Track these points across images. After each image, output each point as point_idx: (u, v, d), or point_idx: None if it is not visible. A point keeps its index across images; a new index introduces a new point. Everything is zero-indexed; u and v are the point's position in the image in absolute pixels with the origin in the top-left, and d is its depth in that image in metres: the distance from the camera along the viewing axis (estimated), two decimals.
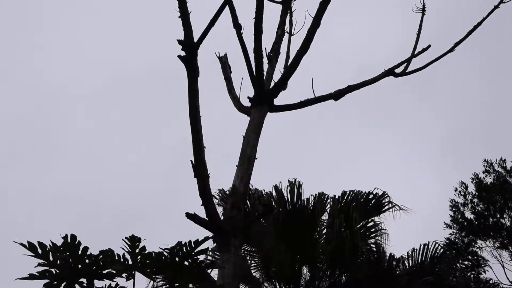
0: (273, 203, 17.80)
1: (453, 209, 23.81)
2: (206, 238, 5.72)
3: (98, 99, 45.91)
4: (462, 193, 23.85)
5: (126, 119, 44.64)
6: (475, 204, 23.39)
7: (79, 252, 5.46)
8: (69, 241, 5.45)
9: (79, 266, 5.47)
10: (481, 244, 22.89)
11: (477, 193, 23.45)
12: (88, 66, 46.44)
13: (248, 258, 18.18)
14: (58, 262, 5.43)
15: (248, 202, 17.26)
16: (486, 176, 23.56)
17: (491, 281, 19.69)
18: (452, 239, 23.14)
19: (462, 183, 24.02)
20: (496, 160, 23.56)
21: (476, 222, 23.04)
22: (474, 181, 23.61)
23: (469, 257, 22.40)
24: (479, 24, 11.73)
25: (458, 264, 21.00)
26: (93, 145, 44.56)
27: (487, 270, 21.73)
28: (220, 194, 17.60)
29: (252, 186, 17.86)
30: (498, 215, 22.75)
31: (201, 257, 5.94)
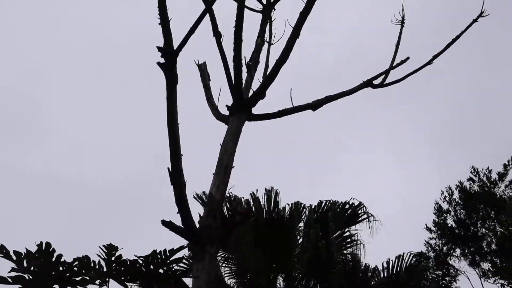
0: (250, 211, 17.80)
1: (437, 213, 23.95)
2: (181, 247, 5.72)
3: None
4: (448, 199, 24.01)
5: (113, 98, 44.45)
6: (458, 212, 23.55)
7: (53, 259, 5.43)
8: (43, 248, 5.43)
9: (53, 272, 5.44)
10: (459, 254, 23.01)
11: (460, 201, 23.59)
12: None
13: (223, 265, 18.17)
14: (32, 268, 5.41)
15: (225, 210, 17.28)
16: (470, 184, 23.71)
17: None
18: (432, 244, 23.27)
19: (449, 188, 24.18)
20: (483, 169, 23.71)
21: (457, 231, 23.17)
22: (458, 188, 23.74)
23: (446, 266, 22.51)
24: (458, 37, 11.81)
25: (432, 274, 21.11)
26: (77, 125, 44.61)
27: (458, 280, 21.88)
28: (199, 200, 17.66)
29: (231, 193, 17.89)
30: (478, 225, 22.90)
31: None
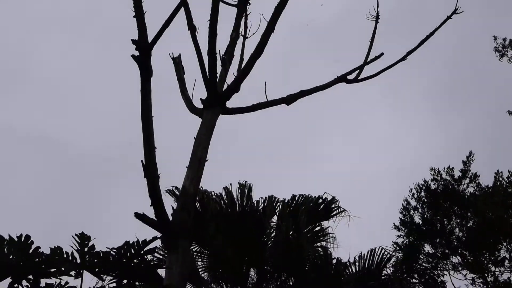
0: (223, 205, 17.83)
1: (404, 211, 24.09)
2: (154, 238, 5.74)
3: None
4: (416, 196, 24.17)
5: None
6: (424, 210, 23.71)
7: (30, 251, 5.45)
8: (22, 240, 5.45)
9: (28, 263, 5.46)
10: (429, 250, 23.18)
11: (425, 200, 23.75)
12: None
13: (196, 258, 18.17)
14: (11, 257, 5.43)
15: (198, 204, 17.30)
16: (434, 184, 23.86)
17: None
18: (400, 242, 23.41)
19: (418, 185, 24.33)
20: (444, 169, 23.89)
21: (424, 228, 23.33)
22: (423, 187, 23.88)
23: (417, 265, 22.67)
24: (432, 34, 11.92)
25: (404, 270, 21.26)
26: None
27: (444, 279, 22.05)
28: (172, 195, 17.64)
29: (202, 187, 17.89)
30: (445, 222, 23.08)
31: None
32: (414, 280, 21.66)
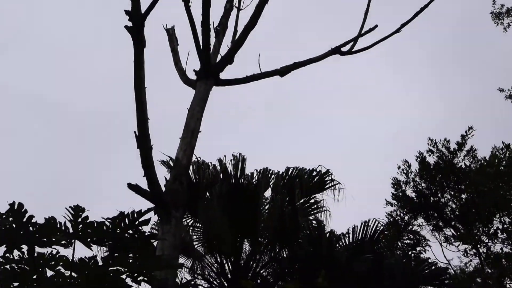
0: (217, 177, 17.85)
1: (395, 186, 24.07)
2: (149, 209, 5.73)
3: None
4: (405, 171, 24.15)
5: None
6: (417, 183, 23.72)
7: (24, 220, 5.45)
8: (15, 207, 5.45)
9: (21, 232, 5.46)
10: (421, 222, 23.25)
11: (419, 172, 23.77)
12: None
13: (190, 231, 18.22)
14: (2, 228, 5.42)
15: (191, 174, 17.32)
16: (430, 155, 23.87)
17: (429, 260, 20.09)
18: (393, 216, 23.45)
19: (406, 162, 24.33)
20: (440, 140, 23.89)
21: (417, 200, 23.36)
22: (418, 159, 23.88)
23: (410, 235, 22.75)
24: (426, 6, 11.87)
25: (398, 243, 21.34)
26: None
27: (427, 250, 22.10)
28: (166, 166, 17.65)
29: (200, 158, 17.91)
30: (439, 195, 23.12)
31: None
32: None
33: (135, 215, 5.68)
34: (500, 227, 21.70)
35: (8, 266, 5.45)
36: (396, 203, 23.73)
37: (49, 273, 5.52)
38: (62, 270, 5.52)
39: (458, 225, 22.45)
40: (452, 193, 22.93)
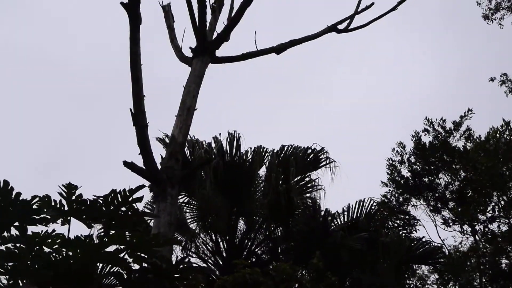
0: (212, 154, 17.82)
1: (390, 167, 24.01)
2: (141, 186, 5.70)
3: None
4: (400, 153, 24.08)
5: None
6: (412, 163, 23.66)
7: (12, 197, 5.41)
8: (1, 186, 5.40)
9: (10, 209, 5.42)
10: (415, 202, 23.21)
11: (415, 152, 23.70)
12: None
13: (185, 209, 18.22)
14: None
15: (187, 152, 17.29)
16: (425, 134, 23.80)
17: (423, 239, 20.13)
18: (388, 196, 23.40)
19: (400, 143, 24.26)
20: (436, 120, 23.80)
21: (412, 181, 23.31)
22: (414, 139, 23.79)
23: (402, 216, 22.73)
24: None
25: (392, 222, 21.34)
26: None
27: (418, 230, 22.11)
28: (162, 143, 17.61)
29: (194, 136, 17.88)
30: (434, 175, 23.07)
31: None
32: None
33: (127, 193, 5.65)
34: (497, 206, 21.69)
35: (3, 247, 5.40)
36: (391, 184, 23.69)
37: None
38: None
39: (454, 204, 22.42)
40: (448, 173, 22.89)
